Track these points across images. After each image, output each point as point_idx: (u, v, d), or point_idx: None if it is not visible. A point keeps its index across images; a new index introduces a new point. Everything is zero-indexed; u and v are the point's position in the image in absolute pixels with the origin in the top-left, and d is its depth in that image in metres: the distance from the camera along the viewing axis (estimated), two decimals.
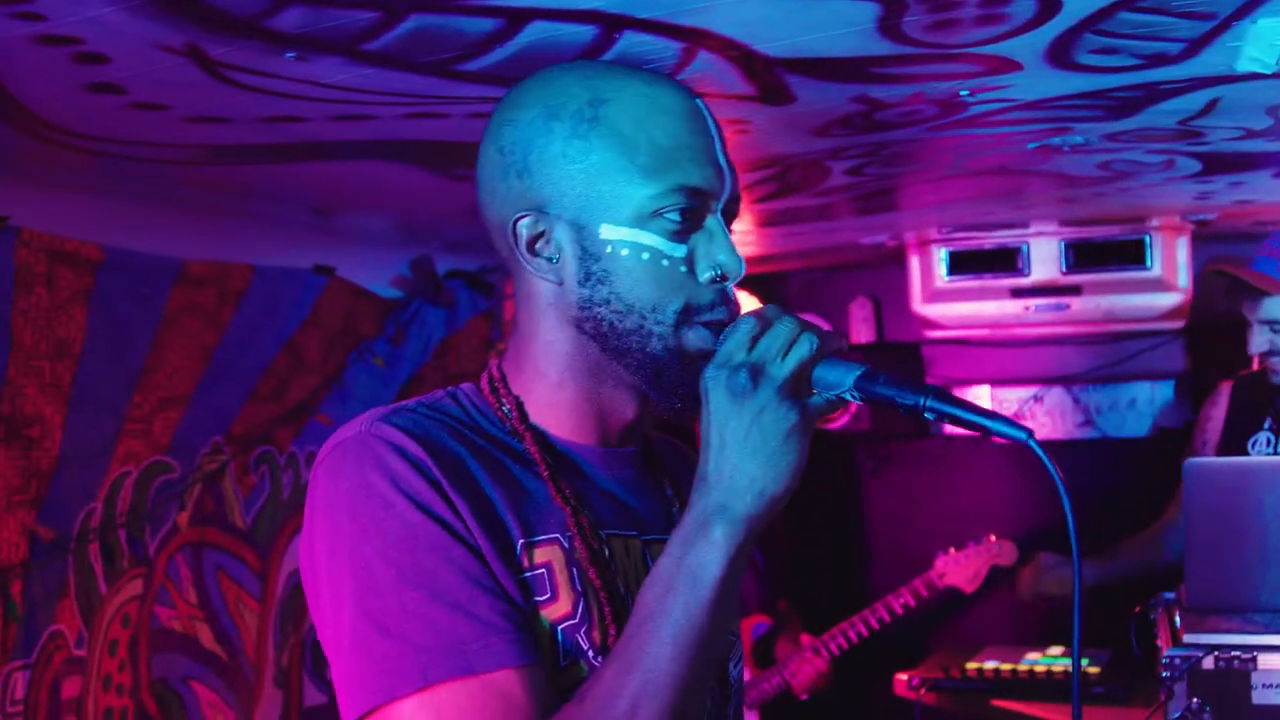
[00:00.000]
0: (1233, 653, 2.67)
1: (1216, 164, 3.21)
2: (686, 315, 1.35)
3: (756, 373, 1.25)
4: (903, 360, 5.09)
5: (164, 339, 3.15)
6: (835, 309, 5.33)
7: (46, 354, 2.83)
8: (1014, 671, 3.90)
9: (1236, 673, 2.66)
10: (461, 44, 1.95)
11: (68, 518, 2.95)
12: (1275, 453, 3.69)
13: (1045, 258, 4.40)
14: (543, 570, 1.31)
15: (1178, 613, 2.90)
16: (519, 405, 1.42)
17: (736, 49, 2.06)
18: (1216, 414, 3.89)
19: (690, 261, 1.36)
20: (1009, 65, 2.25)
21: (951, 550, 4.36)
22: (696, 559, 1.22)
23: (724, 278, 1.37)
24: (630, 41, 1.98)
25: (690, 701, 1.21)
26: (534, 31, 1.91)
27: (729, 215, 1.40)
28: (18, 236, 2.71)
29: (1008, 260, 4.45)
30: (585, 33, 1.93)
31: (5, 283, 2.71)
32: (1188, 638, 2.73)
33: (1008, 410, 5.05)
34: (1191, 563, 2.94)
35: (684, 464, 1.61)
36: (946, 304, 4.61)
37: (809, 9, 1.89)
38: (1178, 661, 2.70)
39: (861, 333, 5.25)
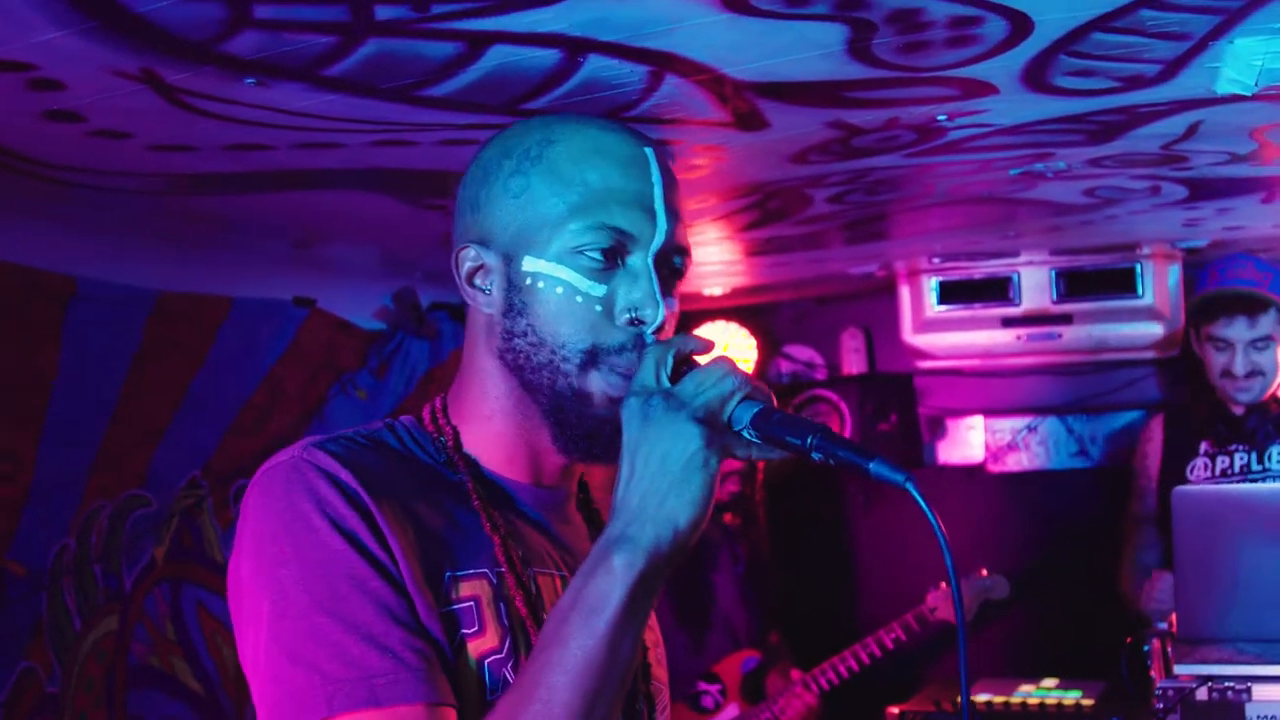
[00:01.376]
0: (1227, 683, 2.63)
1: (1203, 189, 3.18)
2: (593, 357, 1.35)
3: (669, 397, 1.24)
4: (896, 391, 5.05)
5: (139, 372, 3.11)
6: (826, 339, 5.30)
7: (17, 386, 2.80)
8: (1006, 704, 3.85)
9: (1231, 704, 2.63)
10: (423, 69, 1.93)
11: (40, 553, 2.91)
12: (1213, 473, 3.73)
13: (1036, 287, 4.38)
14: (470, 603, 1.30)
15: (1170, 643, 2.86)
16: (455, 435, 1.42)
17: (705, 73, 2.04)
18: (1152, 449, 3.96)
19: (609, 303, 1.35)
20: (985, 88, 2.22)
21: (943, 585, 4.31)
22: (595, 589, 1.20)
23: (639, 321, 1.35)
24: (596, 65, 1.96)
25: None
26: (496, 56, 1.88)
27: (667, 266, 1.39)
28: None
29: (998, 290, 4.43)
30: (549, 57, 1.91)
31: None
32: (1179, 668, 2.70)
33: (1001, 440, 5.02)
34: (1182, 593, 2.91)
35: None
36: (937, 334, 4.59)
37: (775, 32, 1.87)
38: (1171, 693, 2.67)
39: (853, 364, 5.22)
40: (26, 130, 2.13)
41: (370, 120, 2.17)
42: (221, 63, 1.84)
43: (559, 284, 1.34)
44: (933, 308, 4.52)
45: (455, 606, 1.29)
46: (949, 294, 4.49)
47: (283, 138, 2.26)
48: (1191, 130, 2.56)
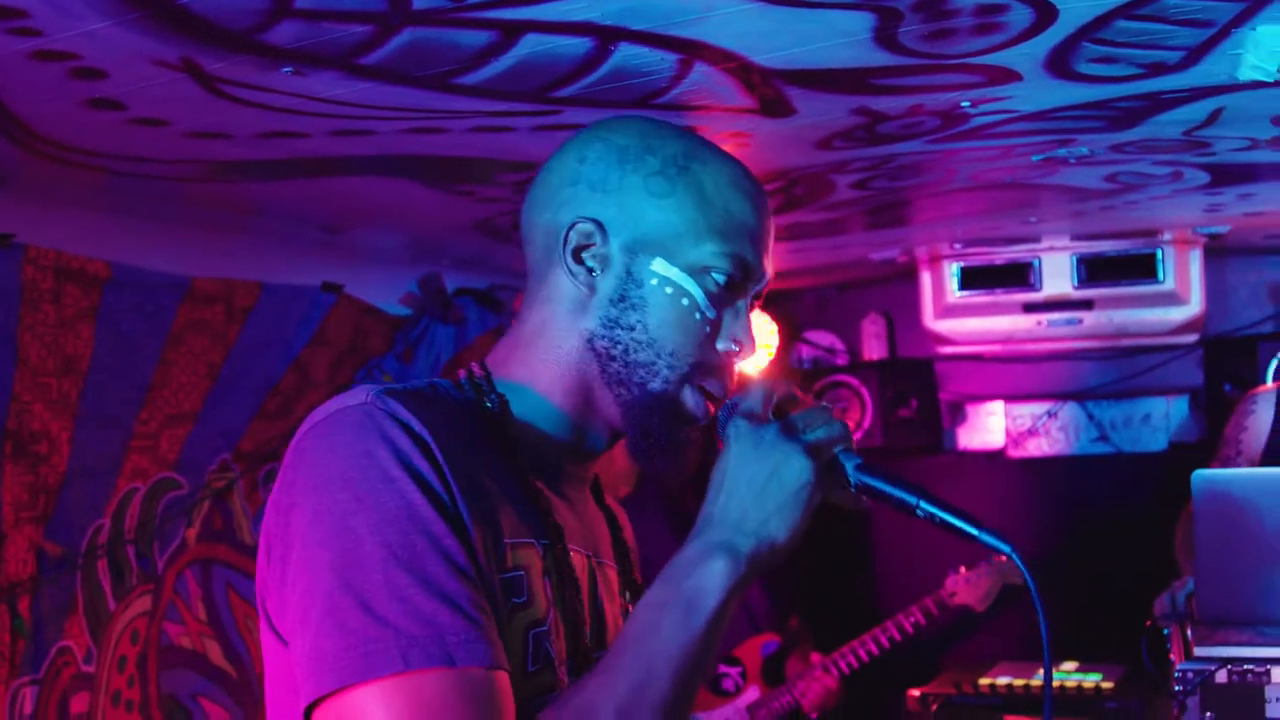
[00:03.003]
0: (1246, 666, 2.64)
1: (1225, 175, 3.20)
2: (695, 371, 1.40)
3: (788, 429, 1.31)
4: (917, 376, 5.07)
5: (171, 356, 3.16)
6: (848, 325, 5.32)
7: (53, 371, 2.84)
8: (1026, 686, 3.88)
9: (1250, 686, 2.63)
10: (457, 57, 1.96)
11: (76, 534, 2.96)
12: None
13: (1057, 272, 4.39)
14: (521, 573, 1.31)
15: (1189, 626, 2.87)
16: (504, 403, 1.42)
17: (733, 60, 2.07)
18: (1255, 424, 3.60)
19: (717, 327, 1.41)
20: (1009, 75, 2.25)
21: (962, 569, 4.33)
22: (695, 586, 1.25)
23: (737, 354, 1.43)
24: (627, 54, 1.99)
25: None
26: (529, 44, 1.92)
27: (749, 307, 1.46)
28: (24, 254, 2.72)
29: (1019, 275, 4.44)
30: (580, 45, 1.94)
31: (12, 300, 2.72)
32: (1199, 651, 2.70)
33: (1021, 426, 5.04)
34: (1202, 575, 2.91)
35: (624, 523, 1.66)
36: (959, 319, 4.60)
37: (803, 20, 1.89)
38: (1190, 676, 2.67)
39: (874, 349, 5.23)
40: (68, 118, 2.17)
41: (403, 108, 2.20)
42: (259, 52, 1.87)
43: (685, 295, 1.39)
44: (954, 293, 4.54)
45: (509, 574, 1.29)
46: (970, 279, 4.51)
47: (317, 125, 2.29)
48: (1214, 116, 2.58)
